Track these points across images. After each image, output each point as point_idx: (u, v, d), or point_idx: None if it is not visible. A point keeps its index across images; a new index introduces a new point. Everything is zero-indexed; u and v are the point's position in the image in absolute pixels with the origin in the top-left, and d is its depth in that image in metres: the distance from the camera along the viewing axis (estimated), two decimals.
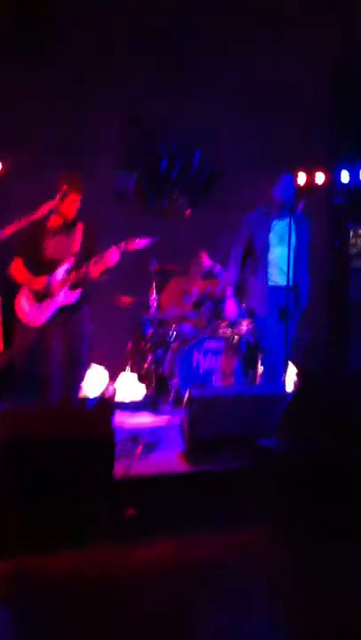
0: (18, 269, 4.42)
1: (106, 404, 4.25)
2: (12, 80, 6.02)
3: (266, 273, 4.75)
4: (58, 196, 4.28)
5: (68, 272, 4.33)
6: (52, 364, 4.35)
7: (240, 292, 4.99)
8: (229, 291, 4.97)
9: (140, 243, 4.38)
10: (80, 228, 4.44)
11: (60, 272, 4.33)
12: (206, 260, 6.21)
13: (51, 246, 4.36)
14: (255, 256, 4.77)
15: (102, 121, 6.34)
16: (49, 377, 4.34)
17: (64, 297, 4.33)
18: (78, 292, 4.35)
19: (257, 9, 6.35)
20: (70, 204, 4.33)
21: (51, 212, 4.29)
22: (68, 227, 4.42)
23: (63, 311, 4.34)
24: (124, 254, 4.34)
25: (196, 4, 6.28)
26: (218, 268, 6.21)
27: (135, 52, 6.32)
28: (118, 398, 5.47)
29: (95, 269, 4.26)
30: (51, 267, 4.35)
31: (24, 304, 4.39)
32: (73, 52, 6.05)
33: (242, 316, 5.09)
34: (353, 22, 6.59)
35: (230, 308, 4.98)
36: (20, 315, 4.41)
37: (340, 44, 6.62)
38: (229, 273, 4.97)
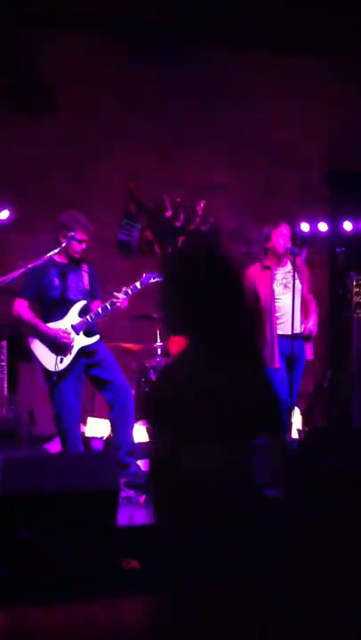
0: (25, 312, 4.22)
1: (110, 453, 4.24)
2: (24, 133, 6.23)
3: (274, 323, 4.75)
4: (61, 234, 4.19)
5: (82, 314, 4.24)
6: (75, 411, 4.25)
7: None
8: None
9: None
10: (85, 268, 4.34)
11: (74, 313, 4.24)
12: None
13: (62, 286, 4.21)
14: (262, 308, 4.77)
15: (108, 174, 6.49)
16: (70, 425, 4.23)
17: (81, 341, 4.22)
18: (97, 337, 4.28)
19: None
20: (75, 243, 4.19)
21: (55, 253, 4.16)
22: (75, 266, 4.30)
23: (82, 355, 4.24)
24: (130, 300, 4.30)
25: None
26: None
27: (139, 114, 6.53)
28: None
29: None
30: (63, 307, 4.24)
31: (40, 348, 4.21)
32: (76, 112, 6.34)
33: None
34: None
35: None
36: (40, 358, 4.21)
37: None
38: None
